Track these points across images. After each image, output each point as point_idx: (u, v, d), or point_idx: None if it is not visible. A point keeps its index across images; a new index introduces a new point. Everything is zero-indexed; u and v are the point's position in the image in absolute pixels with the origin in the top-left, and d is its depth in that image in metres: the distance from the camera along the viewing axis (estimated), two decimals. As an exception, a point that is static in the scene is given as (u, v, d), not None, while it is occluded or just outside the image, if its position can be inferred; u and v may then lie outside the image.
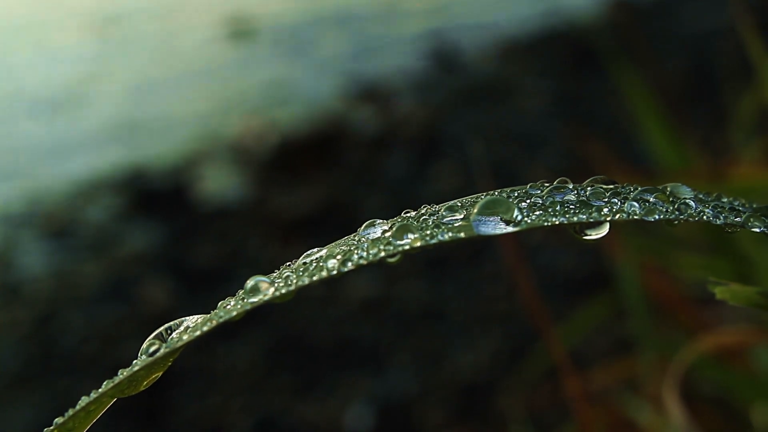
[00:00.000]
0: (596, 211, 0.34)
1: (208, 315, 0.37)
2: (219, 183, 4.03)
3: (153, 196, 3.95)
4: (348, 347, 2.78)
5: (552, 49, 4.92)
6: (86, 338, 2.99)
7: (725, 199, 0.37)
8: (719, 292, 0.42)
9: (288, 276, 0.35)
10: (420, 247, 0.33)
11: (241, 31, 5.88)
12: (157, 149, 4.40)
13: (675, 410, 0.97)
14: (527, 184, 0.38)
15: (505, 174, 3.49)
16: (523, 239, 3.03)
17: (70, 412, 0.36)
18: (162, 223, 3.70)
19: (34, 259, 3.58)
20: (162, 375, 0.37)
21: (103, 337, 2.98)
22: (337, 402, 2.55)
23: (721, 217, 0.35)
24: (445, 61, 5.13)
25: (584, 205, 0.35)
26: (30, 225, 3.84)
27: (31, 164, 4.43)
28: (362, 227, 0.36)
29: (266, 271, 0.38)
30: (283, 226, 3.50)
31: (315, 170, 3.95)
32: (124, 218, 3.81)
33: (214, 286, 3.14)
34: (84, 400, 0.36)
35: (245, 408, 2.58)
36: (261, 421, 2.53)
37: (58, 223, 3.82)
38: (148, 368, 0.36)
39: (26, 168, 4.41)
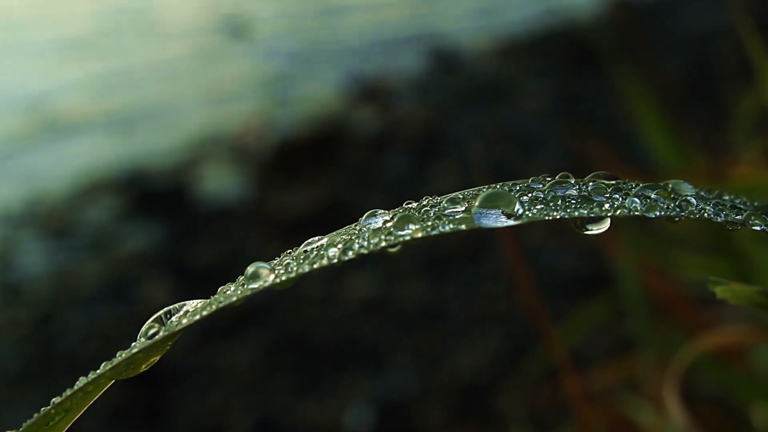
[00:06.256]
0: (597, 206, 0.34)
1: (208, 300, 0.37)
2: (219, 183, 4.03)
3: (153, 196, 3.94)
4: (348, 347, 2.78)
5: (552, 49, 4.92)
6: (86, 338, 2.99)
7: (726, 197, 0.37)
8: (720, 291, 0.42)
9: (288, 263, 0.35)
10: (421, 237, 0.33)
11: (241, 30, 5.88)
12: (157, 149, 4.40)
13: (675, 410, 0.97)
14: (529, 178, 0.38)
15: (505, 174, 3.49)
16: (524, 239, 3.03)
17: (68, 392, 0.36)
18: (162, 223, 3.70)
19: (34, 259, 3.58)
20: (163, 374, 0.37)
21: (103, 337, 2.98)
22: (337, 402, 2.55)
23: (722, 215, 0.35)
24: (444, 61, 5.13)
25: (585, 200, 0.35)
26: (30, 225, 3.84)
27: (31, 163, 4.43)
28: (363, 217, 0.36)
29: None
30: (283, 226, 3.50)
31: (315, 170, 3.95)
32: (124, 218, 3.81)
33: (214, 286, 3.13)
34: (82, 381, 0.36)
35: (245, 407, 2.58)
36: (261, 420, 2.53)
37: (58, 223, 3.82)
38: (146, 351, 0.36)
39: (24, 165, 4.41)
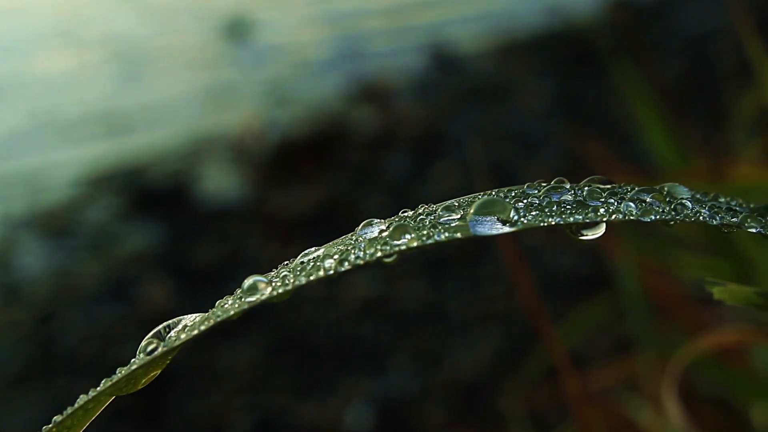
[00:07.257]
0: (592, 211, 0.34)
1: (206, 314, 0.37)
2: (218, 183, 4.03)
3: (153, 196, 3.94)
4: (348, 347, 2.78)
5: (552, 49, 4.91)
6: (86, 338, 2.99)
7: (722, 199, 0.37)
8: (717, 292, 0.42)
9: (285, 275, 0.35)
10: (417, 247, 0.33)
11: (240, 31, 5.88)
12: (157, 149, 4.40)
13: (674, 410, 0.97)
14: (524, 184, 0.38)
15: (505, 174, 3.49)
16: (524, 239, 3.03)
17: (69, 410, 0.36)
18: (162, 223, 3.70)
19: (34, 259, 3.58)
20: (162, 374, 0.37)
21: (103, 337, 2.98)
22: (337, 402, 2.55)
23: (718, 218, 0.35)
24: (444, 60, 5.13)
25: (581, 205, 0.35)
26: (30, 225, 3.84)
27: (32, 167, 4.43)
28: (359, 227, 0.36)
29: (266, 272, 0.38)
30: (283, 226, 3.50)
31: (315, 170, 3.95)
32: (124, 218, 3.81)
33: (213, 286, 3.14)
34: (82, 398, 0.36)
35: (245, 408, 2.58)
36: (261, 421, 2.53)
37: (58, 223, 3.82)
38: (146, 367, 0.36)
39: (25, 169, 4.41)
